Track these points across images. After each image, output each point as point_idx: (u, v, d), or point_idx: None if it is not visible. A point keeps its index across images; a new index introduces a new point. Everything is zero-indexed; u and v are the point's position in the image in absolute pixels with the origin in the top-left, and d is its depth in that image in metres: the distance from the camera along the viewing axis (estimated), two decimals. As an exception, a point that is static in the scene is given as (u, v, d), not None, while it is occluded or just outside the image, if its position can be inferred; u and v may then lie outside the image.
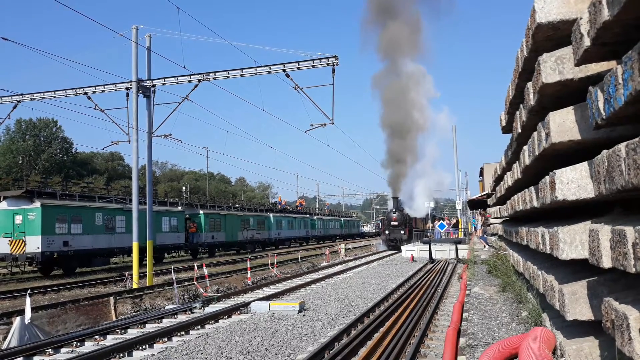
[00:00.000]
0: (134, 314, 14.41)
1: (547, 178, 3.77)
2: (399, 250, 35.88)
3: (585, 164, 3.35)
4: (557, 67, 3.62)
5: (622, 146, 2.40)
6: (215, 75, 19.04)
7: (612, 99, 2.51)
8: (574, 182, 3.38)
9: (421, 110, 49.92)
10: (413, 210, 44.84)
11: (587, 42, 2.81)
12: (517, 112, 5.66)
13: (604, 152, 2.73)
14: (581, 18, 2.91)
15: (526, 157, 5.03)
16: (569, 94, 3.80)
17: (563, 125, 3.56)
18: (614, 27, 2.50)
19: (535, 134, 4.33)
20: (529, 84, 4.40)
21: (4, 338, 11.09)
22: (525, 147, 5.09)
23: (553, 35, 3.82)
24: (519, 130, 5.53)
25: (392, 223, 39.14)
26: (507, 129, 7.34)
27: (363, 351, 7.91)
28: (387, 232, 39.79)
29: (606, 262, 2.76)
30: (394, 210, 39.80)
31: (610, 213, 3.51)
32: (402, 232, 38.77)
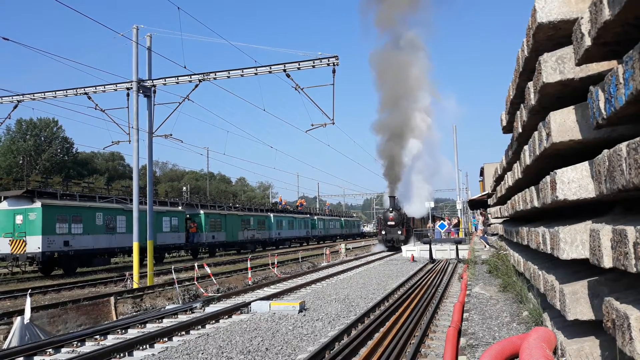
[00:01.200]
0: (134, 313, 14.41)
1: (548, 178, 3.77)
2: (397, 251, 35.01)
3: (586, 163, 3.35)
4: (558, 66, 3.62)
5: (623, 146, 2.40)
6: (215, 75, 19.04)
7: (613, 99, 2.50)
8: (574, 182, 3.38)
9: (421, 85, 47.31)
10: (412, 209, 43.55)
11: (587, 41, 2.81)
12: (518, 112, 5.66)
13: (605, 151, 2.73)
14: (582, 17, 2.91)
15: (527, 157, 5.03)
16: (569, 93, 3.80)
17: (564, 125, 3.56)
18: (614, 26, 2.50)
19: (536, 133, 4.33)
20: (530, 84, 4.40)
21: (5, 338, 11.09)
22: (526, 147, 5.09)
23: (554, 35, 3.82)
24: (520, 130, 5.53)
25: (389, 223, 37.64)
26: (508, 128, 7.34)
27: (364, 351, 7.91)
28: (383, 232, 38.28)
29: (607, 262, 2.76)
30: (391, 209, 38.34)
31: (611, 213, 3.51)
32: (400, 232, 37.20)
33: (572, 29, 3.09)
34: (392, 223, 37.43)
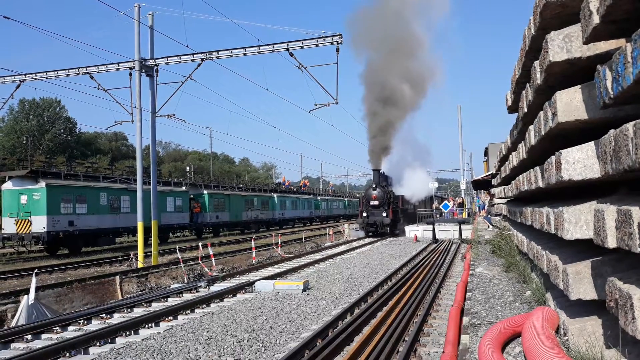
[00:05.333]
0: (139, 292, 14.55)
1: (553, 158, 3.75)
2: (381, 237, 30.34)
3: (591, 143, 3.32)
4: (565, 45, 3.57)
5: (629, 125, 2.37)
6: (218, 54, 18.91)
7: (620, 78, 2.47)
8: (579, 162, 3.36)
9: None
10: (406, 187, 37.44)
11: (596, 19, 2.77)
12: (524, 92, 5.61)
13: (611, 131, 2.70)
14: (591, -5, 2.86)
15: (532, 137, 5.00)
16: (576, 72, 3.76)
17: (570, 104, 3.53)
18: (623, 4, 2.46)
19: (541, 113, 4.30)
20: (536, 63, 4.35)
21: (13, 316, 11.25)
22: (531, 127, 5.06)
23: (561, 13, 3.76)
24: (525, 110, 5.49)
25: (372, 203, 31.07)
26: (513, 108, 7.30)
27: (367, 329, 7.98)
28: (364, 214, 31.30)
29: (611, 242, 2.76)
30: (374, 185, 31.50)
31: (615, 193, 3.49)
32: (385, 214, 30.65)
33: (580, 7, 3.04)
34: (376, 203, 31.01)
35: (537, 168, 4.89)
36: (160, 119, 20.56)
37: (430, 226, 28.73)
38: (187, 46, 19.10)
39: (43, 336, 9.01)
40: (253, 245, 21.47)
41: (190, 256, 20.79)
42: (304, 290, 12.19)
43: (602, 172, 3.02)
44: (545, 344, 3.19)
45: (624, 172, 2.54)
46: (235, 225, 41.26)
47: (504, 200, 13.69)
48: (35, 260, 22.38)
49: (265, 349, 7.59)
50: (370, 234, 31.34)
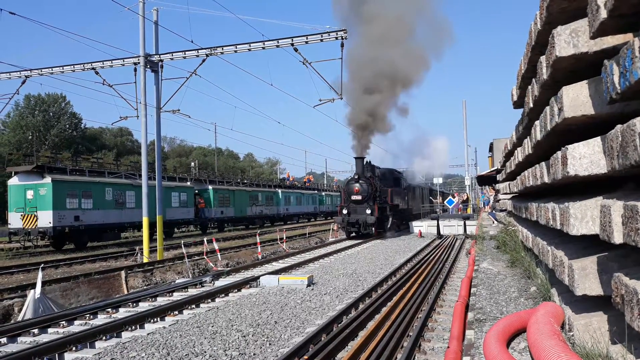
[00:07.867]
0: (145, 287, 14.62)
1: (559, 153, 3.73)
2: (365, 239, 25.39)
3: (598, 139, 3.31)
4: (572, 40, 3.55)
5: (637, 121, 2.36)
6: (222, 49, 18.90)
7: (628, 73, 2.46)
8: (586, 158, 3.35)
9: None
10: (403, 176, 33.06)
11: (603, 13, 2.75)
12: (529, 87, 5.58)
13: (618, 126, 2.69)
14: (598, -11, 2.83)
15: (538, 133, 4.98)
16: (583, 67, 3.74)
17: (576, 99, 3.51)
18: (632, -2, 2.44)
19: (547, 108, 4.28)
20: (542, 58, 4.33)
21: (20, 310, 11.33)
22: (537, 122, 5.04)
23: (568, 7, 3.74)
24: (531, 105, 5.47)
25: (354, 197, 25.61)
26: (519, 103, 7.27)
27: (371, 324, 8.00)
28: (345, 211, 25.64)
29: (617, 238, 2.75)
30: (356, 176, 25.84)
31: (621, 189, 3.48)
32: (369, 211, 25.09)
33: (587, 1, 3.02)
34: (358, 197, 25.56)
35: (543, 163, 4.87)
36: (165, 115, 20.61)
37: (435, 222, 28.75)
38: (192, 42, 19.12)
39: (49, 330, 9.07)
40: (258, 241, 21.52)
41: (195, 251, 20.86)
42: (308, 285, 12.22)
43: (609, 167, 3.01)
44: (550, 339, 3.19)
45: (631, 168, 2.53)
46: (239, 220, 41.37)
47: (509, 196, 13.65)
48: (41, 255, 22.53)
49: (270, 344, 7.62)
50: (353, 234, 26.49)
